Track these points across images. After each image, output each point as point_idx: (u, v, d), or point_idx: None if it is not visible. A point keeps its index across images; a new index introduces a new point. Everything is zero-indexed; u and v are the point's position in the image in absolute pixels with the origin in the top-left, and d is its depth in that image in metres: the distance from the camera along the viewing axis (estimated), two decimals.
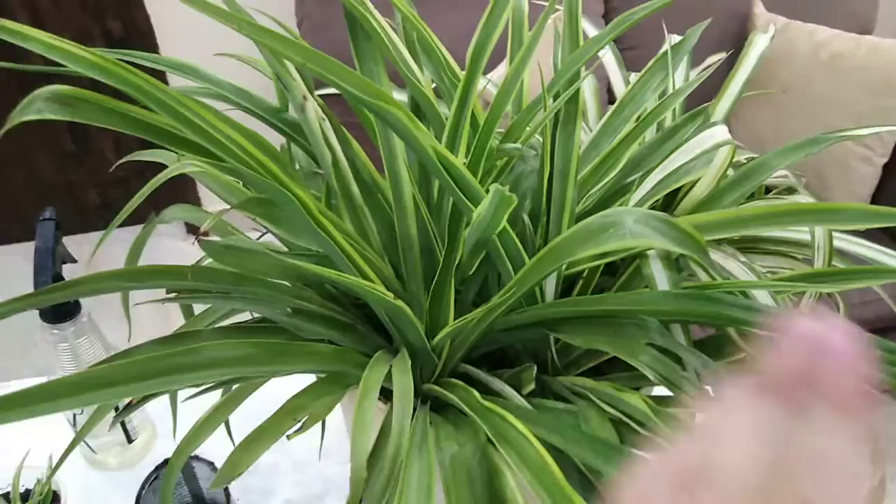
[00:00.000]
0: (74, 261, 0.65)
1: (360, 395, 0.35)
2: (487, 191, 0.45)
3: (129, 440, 0.69)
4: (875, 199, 1.48)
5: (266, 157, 0.35)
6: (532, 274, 0.39)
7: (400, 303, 0.38)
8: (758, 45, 0.59)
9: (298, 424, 0.35)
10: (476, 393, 0.38)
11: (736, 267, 0.43)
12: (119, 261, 0.51)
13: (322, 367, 0.38)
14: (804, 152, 0.48)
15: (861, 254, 0.49)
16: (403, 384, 0.36)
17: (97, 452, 0.69)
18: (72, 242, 0.64)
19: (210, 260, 0.44)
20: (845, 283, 0.43)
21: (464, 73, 0.44)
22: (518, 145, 0.39)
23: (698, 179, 0.51)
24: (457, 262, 0.41)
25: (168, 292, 0.45)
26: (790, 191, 0.58)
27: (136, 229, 0.52)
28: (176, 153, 0.35)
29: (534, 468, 0.31)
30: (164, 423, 0.74)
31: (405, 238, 0.44)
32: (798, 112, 1.46)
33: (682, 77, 0.63)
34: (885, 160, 1.42)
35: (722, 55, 0.62)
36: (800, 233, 0.52)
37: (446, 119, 0.45)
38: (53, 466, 0.65)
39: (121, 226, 0.48)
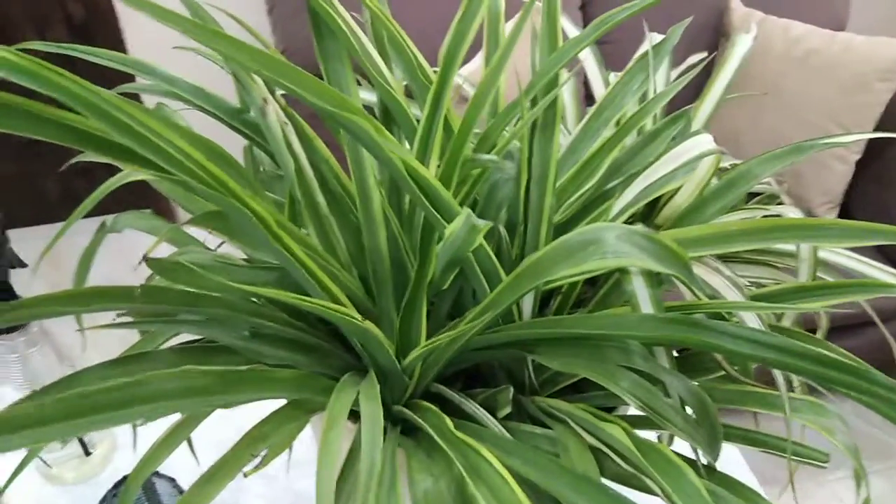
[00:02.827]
0: (24, 265, 0.61)
1: (325, 427, 0.33)
2: (462, 203, 0.42)
3: (87, 453, 0.66)
4: (848, 196, 1.49)
5: (218, 168, 0.32)
6: (507, 294, 0.37)
7: (368, 325, 0.36)
8: (740, 46, 0.57)
9: (258, 459, 0.33)
10: (448, 422, 0.35)
11: (719, 282, 0.41)
12: (80, 253, 0.47)
13: (283, 394, 0.35)
14: (788, 160, 0.47)
15: (845, 265, 0.48)
16: (372, 415, 0.34)
17: (52, 466, 0.65)
18: (32, 235, 0.60)
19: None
20: (831, 298, 0.42)
21: (436, 74, 0.41)
22: (493, 157, 0.36)
23: (680, 186, 0.49)
24: (429, 278, 0.38)
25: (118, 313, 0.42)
26: (772, 197, 0.56)
27: (100, 220, 0.49)
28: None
29: None
30: (124, 433, 0.71)
31: (374, 251, 0.42)
32: (774, 108, 1.45)
33: (663, 77, 0.61)
34: (858, 157, 1.43)
35: (703, 55, 0.60)
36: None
37: (418, 122, 0.43)
38: (3, 485, 0.62)
39: (86, 216, 0.44)
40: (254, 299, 0.41)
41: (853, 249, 0.47)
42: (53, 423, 0.27)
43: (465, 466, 0.32)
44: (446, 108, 0.42)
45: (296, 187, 0.40)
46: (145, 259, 0.31)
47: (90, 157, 0.53)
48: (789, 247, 0.50)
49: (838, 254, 0.48)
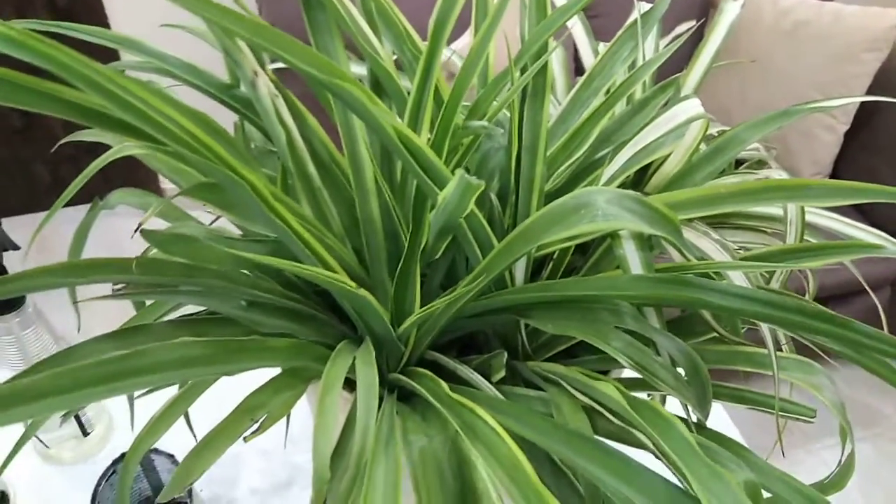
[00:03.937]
0: (16, 247, 0.61)
1: (322, 391, 0.33)
2: (453, 172, 0.43)
3: (85, 433, 0.67)
4: (836, 166, 1.50)
5: (212, 139, 0.32)
6: (500, 259, 0.37)
7: (363, 292, 0.36)
8: (728, 13, 0.57)
9: (256, 425, 0.33)
10: (444, 384, 0.36)
11: (709, 245, 0.41)
12: (68, 241, 0.47)
13: (281, 362, 0.35)
14: (776, 124, 0.47)
15: (832, 228, 0.49)
16: (368, 379, 0.34)
17: (50, 447, 0.66)
18: (21, 223, 0.60)
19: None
20: (818, 259, 0.43)
21: (425, 45, 0.41)
22: (484, 123, 0.37)
23: (669, 154, 0.50)
24: (422, 246, 0.39)
25: (115, 284, 0.42)
26: (761, 163, 0.57)
27: (87, 208, 0.49)
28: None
29: (505, 464, 0.30)
30: (121, 413, 0.71)
31: (367, 221, 0.42)
32: (763, 81, 1.46)
33: (652, 46, 0.61)
34: (846, 128, 1.44)
35: (692, 23, 0.60)
36: (770, 207, 0.51)
37: (408, 94, 0.43)
38: (0, 465, 0.62)
39: (71, 203, 0.44)
40: (249, 272, 0.42)
41: (839, 212, 0.48)
42: (53, 396, 0.27)
43: (460, 426, 0.32)
44: (436, 79, 0.42)
45: (288, 159, 0.40)
46: (140, 231, 0.32)
47: (82, 136, 0.53)
48: (777, 211, 0.51)
49: (825, 217, 0.48)
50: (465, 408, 0.34)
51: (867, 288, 0.55)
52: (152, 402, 0.45)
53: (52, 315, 0.64)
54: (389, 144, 0.33)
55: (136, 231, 0.30)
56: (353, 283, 0.36)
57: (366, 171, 0.41)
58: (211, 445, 0.32)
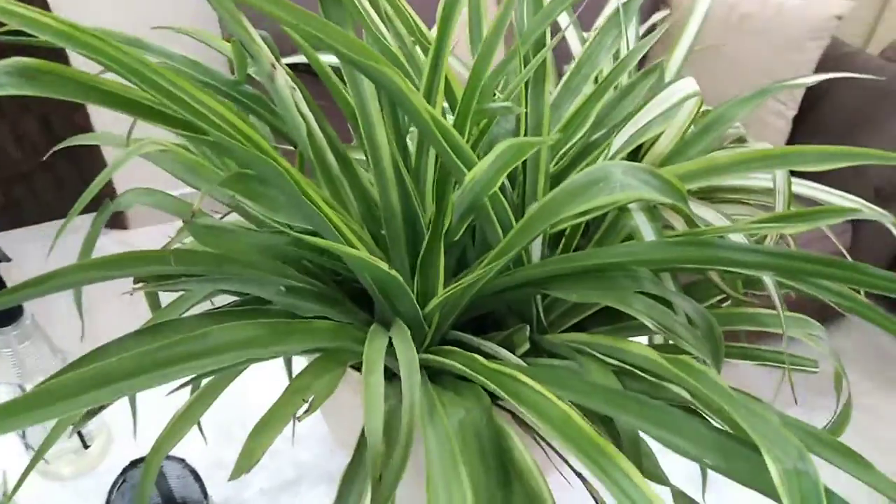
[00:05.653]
0: (8, 259, 0.60)
1: (366, 371, 0.34)
2: (476, 154, 0.44)
3: (86, 446, 0.65)
4: None
5: (250, 129, 0.33)
6: (522, 235, 0.39)
7: (395, 273, 0.37)
8: (703, 1, 0.61)
9: (306, 405, 0.34)
10: (479, 357, 0.37)
11: (710, 214, 0.44)
12: (41, 258, 0.47)
13: (325, 343, 0.36)
14: (757, 101, 0.51)
15: (813, 196, 0.52)
16: (408, 355, 0.36)
17: (49, 462, 0.64)
18: None
19: (178, 244, 0.42)
20: (806, 223, 0.46)
21: (434, 35, 0.43)
22: (508, 104, 0.38)
23: (661, 133, 0.53)
24: (446, 227, 0.40)
25: (135, 281, 0.42)
26: (740, 140, 0.60)
27: (59, 224, 0.49)
28: (127, 138, 0.32)
29: (557, 423, 0.32)
30: (119, 426, 0.70)
31: (387, 207, 0.43)
32: (718, 72, 1.52)
33: (633, 35, 0.64)
34: (794, 113, 1.51)
35: (668, 12, 0.63)
36: (754, 180, 0.54)
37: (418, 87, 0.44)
38: (9, 493, 0.61)
39: (52, 219, 0.44)
40: (273, 262, 0.42)
41: (821, 181, 0.52)
42: (122, 380, 0.28)
43: (504, 392, 0.34)
44: (445, 68, 0.44)
45: (308, 148, 0.41)
46: (185, 222, 0.32)
47: (76, 141, 0.52)
48: (760, 184, 0.54)
49: (808, 187, 0.52)
50: (505, 375, 0.35)
51: (846, 254, 0.59)
52: (150, 416, 0.45)
53: (48, 326, 0.62)
54: (423, 127, 0.34)
55: (190, 219, 0.31)
56: (385, 263, 0.37)
57: (384, 158, 0.42)
58: (268, 426, 0.32)
